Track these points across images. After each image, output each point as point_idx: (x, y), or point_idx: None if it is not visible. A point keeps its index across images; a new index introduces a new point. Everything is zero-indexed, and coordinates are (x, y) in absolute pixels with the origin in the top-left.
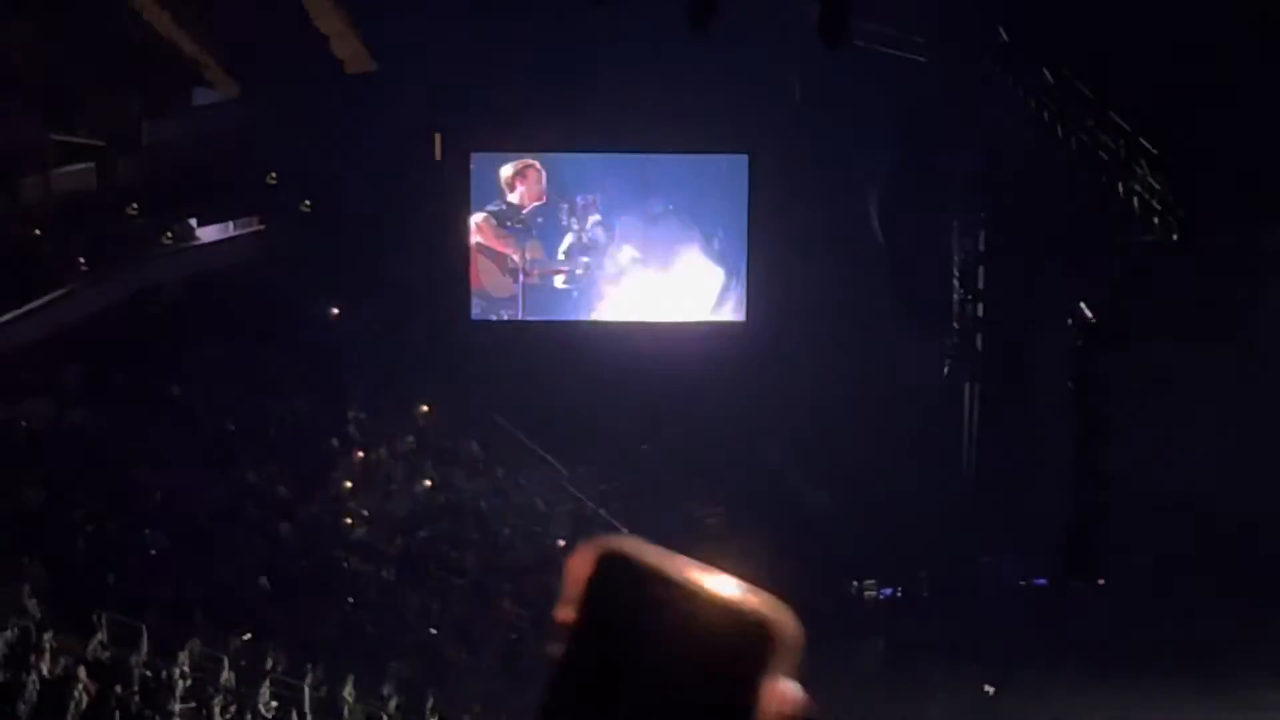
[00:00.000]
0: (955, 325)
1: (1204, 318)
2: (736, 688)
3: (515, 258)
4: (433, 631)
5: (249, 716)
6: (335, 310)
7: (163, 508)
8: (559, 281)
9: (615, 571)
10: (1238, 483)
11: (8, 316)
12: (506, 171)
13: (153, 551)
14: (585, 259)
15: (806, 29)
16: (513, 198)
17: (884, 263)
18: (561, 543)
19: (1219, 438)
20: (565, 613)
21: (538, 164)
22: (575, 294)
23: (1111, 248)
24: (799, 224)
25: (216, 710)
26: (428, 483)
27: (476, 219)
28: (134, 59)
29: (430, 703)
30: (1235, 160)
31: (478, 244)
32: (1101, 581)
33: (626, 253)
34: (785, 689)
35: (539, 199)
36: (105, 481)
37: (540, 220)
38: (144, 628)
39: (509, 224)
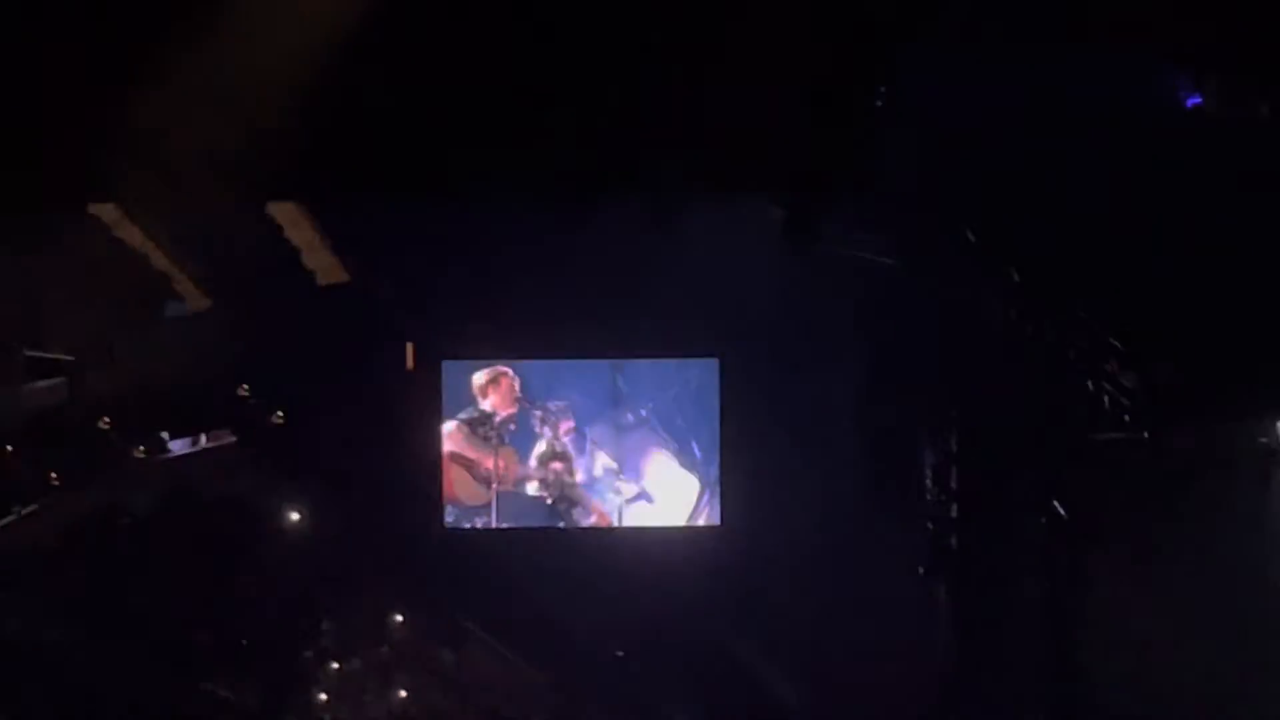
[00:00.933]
0: (930, 525)
1: (1177, 516)
2: None
3: (488, 465)
4: None
5: None
6: (307, 521)
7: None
8: (532, 489)
9: None
10: (1216, 687)
11: None
12: (479, 379)
13: None
14: (558, 466)
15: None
16: (485, 405)
17: (857, 465)
18: None
19: (1196, 637)
20: None
21: (510, 371)
22: (549, 501)
23: (1083, 446)
24: (771, 427)
25: None
26: (402, 693)
27: (448, 427)
28: (104, 272)
29: None
30: (1209, 358)
31: (450, 452)
32: None
33: (600, 460)
34: None
35: (511, 406)
36: (76, 699)
37: (513, 428)
38: None
39: (481, 431)
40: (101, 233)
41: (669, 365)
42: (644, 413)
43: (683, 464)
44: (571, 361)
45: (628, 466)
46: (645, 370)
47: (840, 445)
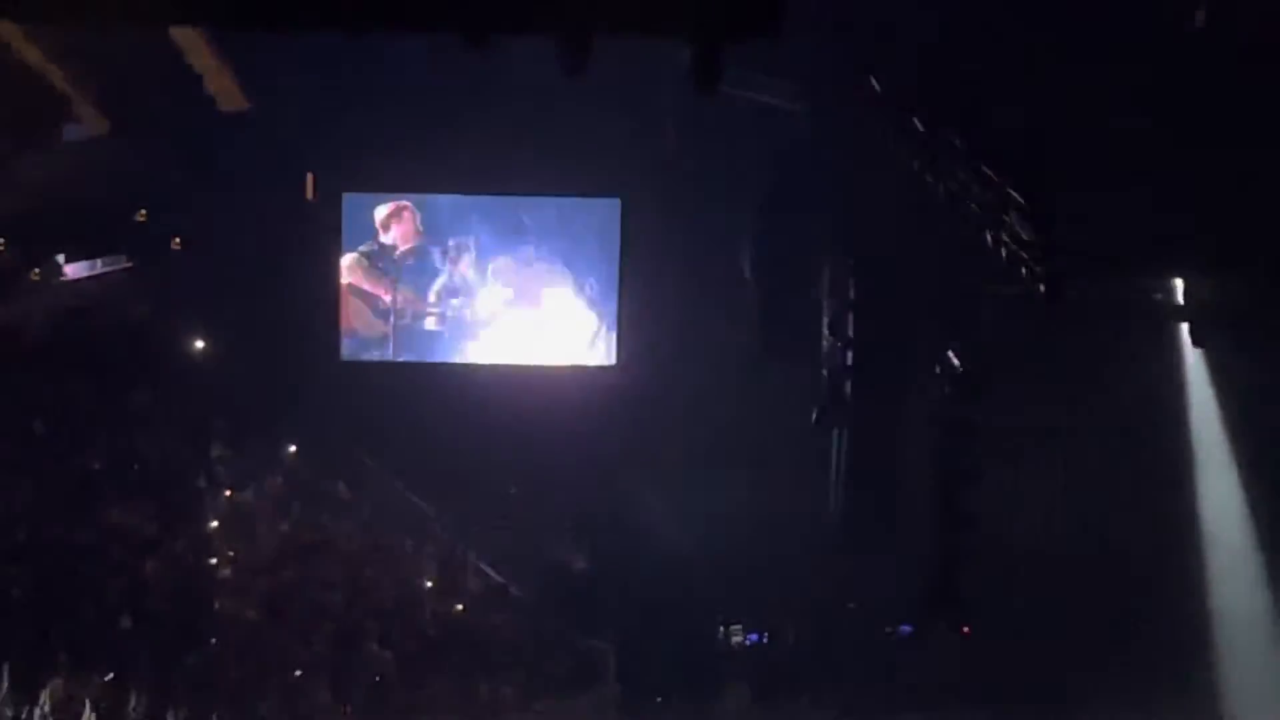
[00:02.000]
0: (825, 371)
1: (1068, 367)
2: None
3: (387, 299)
4: (297, 673)
5: None
6: (201, 347)
7: (25, 545)
8: (430, 323)
9: None
10: (1094, 529)
11: None
12: (381, 212)
13: (15, 591)
14: (456, 301)
15: (679, 74)
16: (385, 239)
17: (755, 309)
18: (428, 584)
19: (1078, 485)
20: None
21: (411, 205)
22: (446, 336)
23: (979, 298)
24: (670, 268)
25: None
26: (294, 523)
27: (348, 259)
28: (3, 92)
29: None
30: (1104, 213)
31: (349, 284)
32: (966, 630)
33: (498, 295)
34: None
35: (412, 240)
36: None
37: (412, 262)
38: (4, 667)
39: (381, 265)
40: (1, 50)
41: (573, 203)
42: (544, 249)
43: (580, 300)
44: (476, 197)
45: (526, 300)
46: (550, 207)
47: (738, 290)
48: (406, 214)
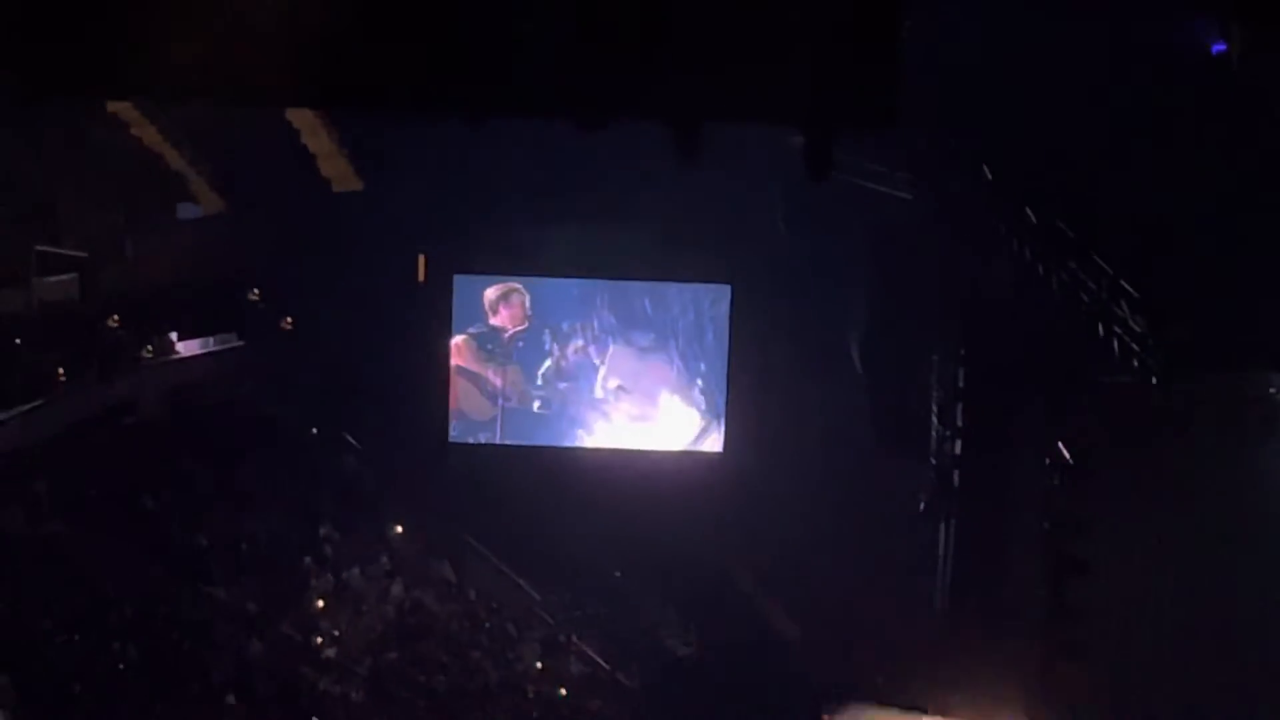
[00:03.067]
0: (933, 461)
1: (1179, 460)
2: None
3: (495, 381)
4: None
5: None
6: (313, 429)
7: (133, 621)
8: (538, 406)
9: None
10: (1205, 625)
11: None
12: (490, 294)
13: (121, 665)
14: (564, 385)
15: (791, 159)
16: (495, 321)
17: (863, 397)
18: (531, 667)
19: (1188, 580)
20: None
21: (521, 288)
22: (554, 419)
23: (1090, 389)
24: (779, 355)
25: None
26: (399, 604)
27: (457, 340)
28: (120, 171)
29: None
30: (1217, 306)
31: (457, 366)
32: None
33: (607, 379)
34: None
35: (522, 323)
36: (76, 593)
37: (521, 344)
38: None
39: (490, 347)
40: (119, 131)
41: (682, 289)
42: (653, 335)
43: (689, 386)
44: (586, 281)
45: (638, 388)
46: (660, 293)
47: (847, 378)
48: (516, 296)
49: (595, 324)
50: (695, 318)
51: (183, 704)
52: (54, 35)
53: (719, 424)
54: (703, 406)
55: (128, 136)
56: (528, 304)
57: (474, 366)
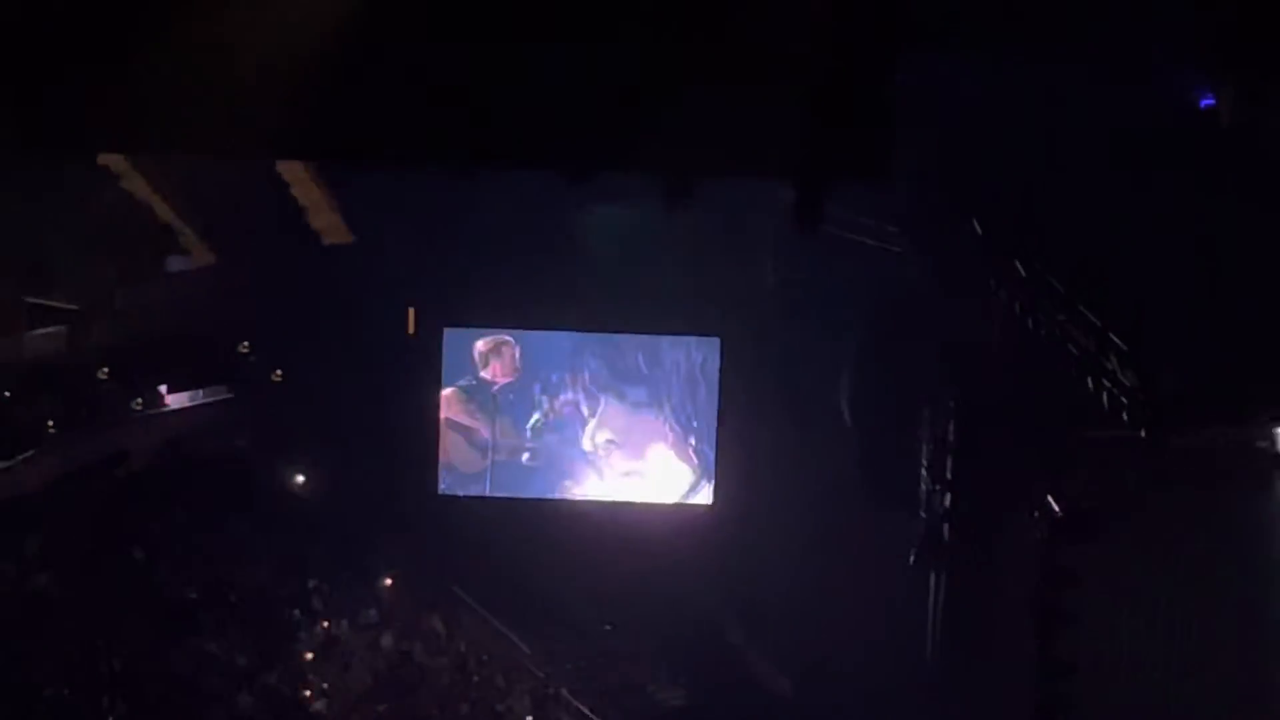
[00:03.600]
0: (923, 514)
1: (1169, 513)
2: None
3: (485, 433)
4: None
5: None
6: (301, 480)
7: (122, 675)
8: (527, 459)
9: None
10: (1195, 679)
11: None
12: (480, 347)
13: (110, 719)
14: (553, 437)
15: (780, 213)
16: (485, 373)
17: (853, 449)
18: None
19: (1179, 633)
20: None
21: (511, 340)
22: (543, 471)
23: (1080, 442)
24: (769, 407)
25: None
26: (389, 656)
27: (447, 393)
28: (110, 223)
29: None
30: (1207, 359)
31: (447, 419)
32: None
33: (598, 434)
34: None
35: (512, 375)
36: (65, 646)
37: (511, 397)
38: None
39: (480, 399)
40: (109, 183)
41: (673, 342)
42: (644, 386)
43: (679, 439)
44: (575, 334)
45: (628, 442)
46: (650, 346)
47: (837, 430)
48: (506, 349)
49: (586, 376)
50: (688, 372)
51: None
52: (45, 89)
53: (707, 475)
54: (693, 461)
55: (118, 189)
56: (518, 356)
57: (464, 419)
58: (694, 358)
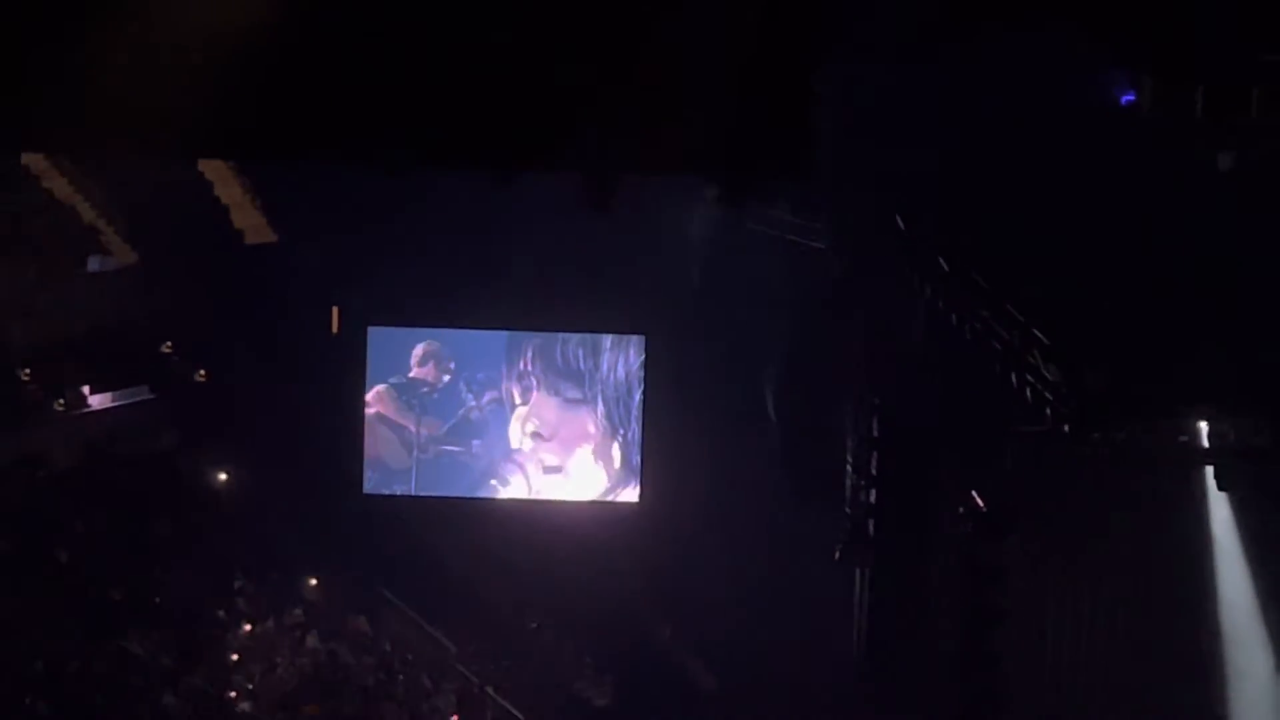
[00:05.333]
0: (848, 510)
1: (1092, 508)
2: None
3: (412, 430)
4: None
5: None
6: (225, 479)
7: (45, 675)
8: (454, 457)
9: None
10: (1119, 672)
11: None
12: (418, 350)
13: None
14: (478, 439)
15: (703, 211)
16: (416, 373)
17: (778, 446)
18: (454, 718)
19: (1106, 628)
20: None
21: (439, 340)
22: (470, 470)
23: (1004, 437)
24: (693, 406)
25: None
26: (314, 656)
27: (376, 390)
28: (29, 223)
29: None
30: (1128, 354)
31: (376, 414)
32: None
33: (523, 430)
34: None
35: (439, 374)
36: None
37: (438, 396)
38: None
39: (407, 397)
40: (29, 183)
41: (597, 340)
42: (570, 384)
43: (604, 437)
44: (500, 333)
45: (557, 436)
46: (574, 344)
47: (761, 427)
48: (441, 354)
49: (509, 374)
50: (608, 367)
51: None
52: None
53: (633, 473)
54: (621, 459)
55: (38, 189)
56: (445, 355)
57: (392, 415)
58: (632, 360)
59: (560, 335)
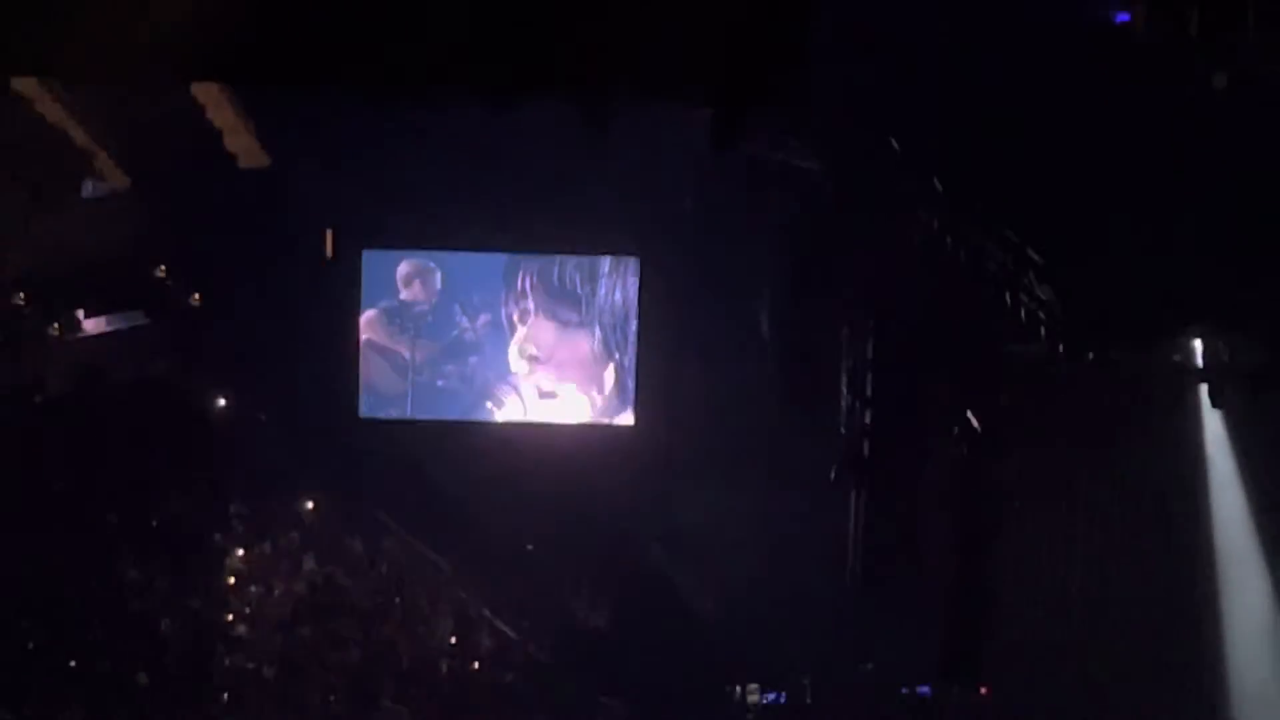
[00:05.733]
0: (843, 431)
1: (1087, 428)
2: None
3: (406, 355)
4: None
5: None
6: (221, 404)
7: (41, 601)
8: (449, 380)
9: None
10: (1113, 591)
11: None
12: (403, 270)
13: (30, 645)
14: (474, 359)
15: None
16: (405, 295)
17: (772, 368)
18: (444, 642)
19: (1097, 546)
20: None
21: (432, 263)
22: (465, 393)
23: (999, 359)
24: (688, 329)
25: None
26: (310, 580)
27: (369, 315)
28: (22, 148)
29: None
30: (1123, 274)
31: (368, 340)
32: (984, 690)
33: (518, 353)
34: None
35: (431, 297)
36: None
37: (431, 319)
38: None
39: (400, 321)
40: (21, 107)
41: (592, 262)
42: (565, 307)
43: (600, 359)
44: (495, 255)
45: (554, 359)
46: (570, 266)
47: (756, 349)
48: (426, 271)
49: (504, 296)
50: (603, 289)
51: (92, 683)
52: None
53: (629, 395)
54: (613, 378)
55: (29, 113)
56: (438, 279)
57: (385, 341)
58: (629, 286)
59: (558, 259)
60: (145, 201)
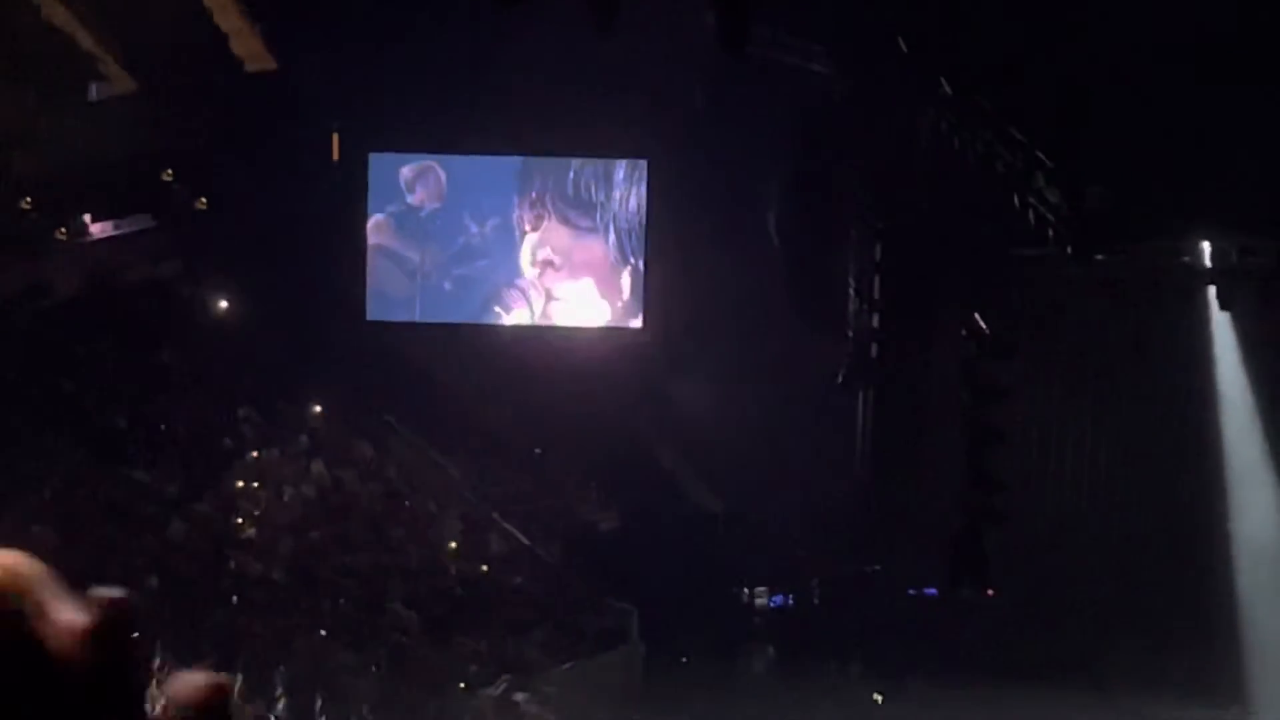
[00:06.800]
0: (850, 334)
1: (1095, 330)
2: None
3: (414, 259)
4: (321, 633)
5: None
6: (228, 308)
7: (51, 503)
8: (456, 284)
9: None
10: (1121, 493)
11: None
12: (407, 173)
13: (38, 549)
14: (483, 262)
15: (706, 35)
16: (412, 199)
17: (781, 271)
18: (453, 545)
19: (1108, 451)
20: None
21: (437, 165)
22: (472, 296)
23: (1007, 260)
24: (697, 231)
25: None
26: (319, 483)
27: (376, 219)
28: (29, 52)
29: (318, 704)
30: (1130, 176)
31: (376, 245)
32: (991, 592)
33: (525, 256)
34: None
35: (438, 200)
36: None
37: (439, 223)
38: None
39: (408, 225)
40: (28, 11)
41: (600, 166)
42: (572, 210)
43: (608, 262)
44: (502, 158)
45: (568, 264)
46: (576, 169)
47: (765, 253)
48: (432, 175)
49: (511, 199)
50: (611, 193)
51: (102, 585)
52: None
53: (637, 297)
54: (628, 289)
55: (36, 17)
56: (444, 181)
57: (393, 245)
58: (643, 193)
59: (572, 166)
60: (152, 105)
